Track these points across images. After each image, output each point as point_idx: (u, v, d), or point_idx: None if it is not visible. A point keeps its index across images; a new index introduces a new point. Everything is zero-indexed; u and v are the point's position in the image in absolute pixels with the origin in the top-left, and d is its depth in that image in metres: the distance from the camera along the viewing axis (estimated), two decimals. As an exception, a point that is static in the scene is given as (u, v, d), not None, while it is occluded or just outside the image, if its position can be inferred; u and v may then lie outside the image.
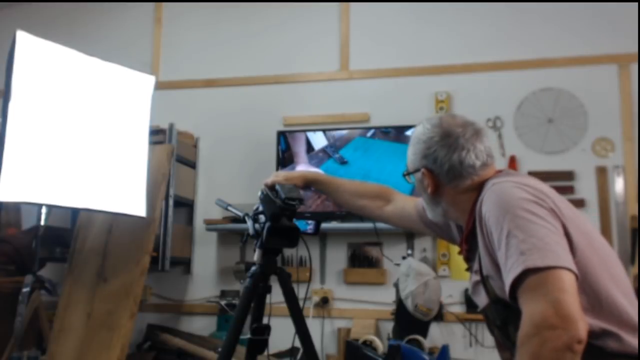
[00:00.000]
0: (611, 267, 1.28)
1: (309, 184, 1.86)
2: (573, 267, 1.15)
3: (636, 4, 3.24)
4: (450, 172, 1.42)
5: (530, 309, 1.12)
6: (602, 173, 3.22)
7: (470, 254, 1.47)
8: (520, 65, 3.40)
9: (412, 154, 1.52)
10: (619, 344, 1.19)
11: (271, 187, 1.78)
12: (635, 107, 3.23)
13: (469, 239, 1.43)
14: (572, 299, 1.10)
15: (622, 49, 3.27)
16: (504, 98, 3.39)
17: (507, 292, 1.19)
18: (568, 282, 1.12)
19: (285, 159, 3.38)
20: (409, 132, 3.13)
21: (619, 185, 3.19)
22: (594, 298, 1.22)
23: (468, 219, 1.42)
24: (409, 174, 1.55)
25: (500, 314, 1.33)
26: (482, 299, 1.40)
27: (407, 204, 1.79)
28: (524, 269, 1.14)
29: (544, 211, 1.23)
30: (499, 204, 1.27)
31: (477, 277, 1.40)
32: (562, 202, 1.30)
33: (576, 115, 3.30)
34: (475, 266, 1.40)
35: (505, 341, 1.36)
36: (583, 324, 1.08)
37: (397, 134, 3.15)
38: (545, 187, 1.33)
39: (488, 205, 1.29)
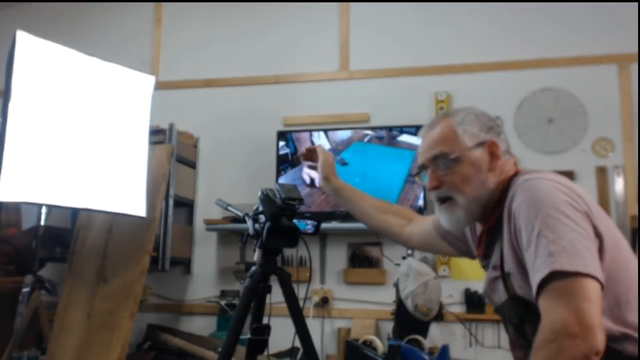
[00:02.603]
0: (632, 270, 1.26)
1: (337, 184, 1.80)
2: (600, 275, 1.13)
3: (636, 4, 3.24)
4: (506, 150, 1.39)
5: (552, 314, 1.10)
6: (602, 173, 3.22)
7: (488, 249, 1.43)
8: (520, 65, 3.40)
9: (469, 128, 1.37)
10: (637, 348, 1.17)
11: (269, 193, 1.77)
12: (635, 107, 3.23)
13: (490, 232, 1.40)
14: (595, 309, 1.08)
15: (622, 49, 3.28)
16: (504, 98, 3.38)
17: (533, 292, 1.16)
18: (593, 291, 1.10)
19: (294, 162, 3.40)
20: (400, 138, 3.27)
21: (619, 185, 3.19)
22: (614, 301, 1.20)
23: (493, 211, 1.37)
24: (464, 153, 1.36)
25: (518, 312, 1.31)
26: (499, 295, 1.37)
27: (426, 221, 1.73)
28: (551, 271, 1.11)
29: (577, 214, 1.19)
30: (532, 201, 1.22)
31: (496, 273, 1.36)
32: (591, 201, 1.27)
33: (576, 115, 3.30)
34: (495, 261, 1.37)
35: (520, 340, 1.34)
36: (602, 335, 1.06)
37: (390, 139, 3.26)
38: (577, 187, 1.28)
39: (519, 201, 1.25)
